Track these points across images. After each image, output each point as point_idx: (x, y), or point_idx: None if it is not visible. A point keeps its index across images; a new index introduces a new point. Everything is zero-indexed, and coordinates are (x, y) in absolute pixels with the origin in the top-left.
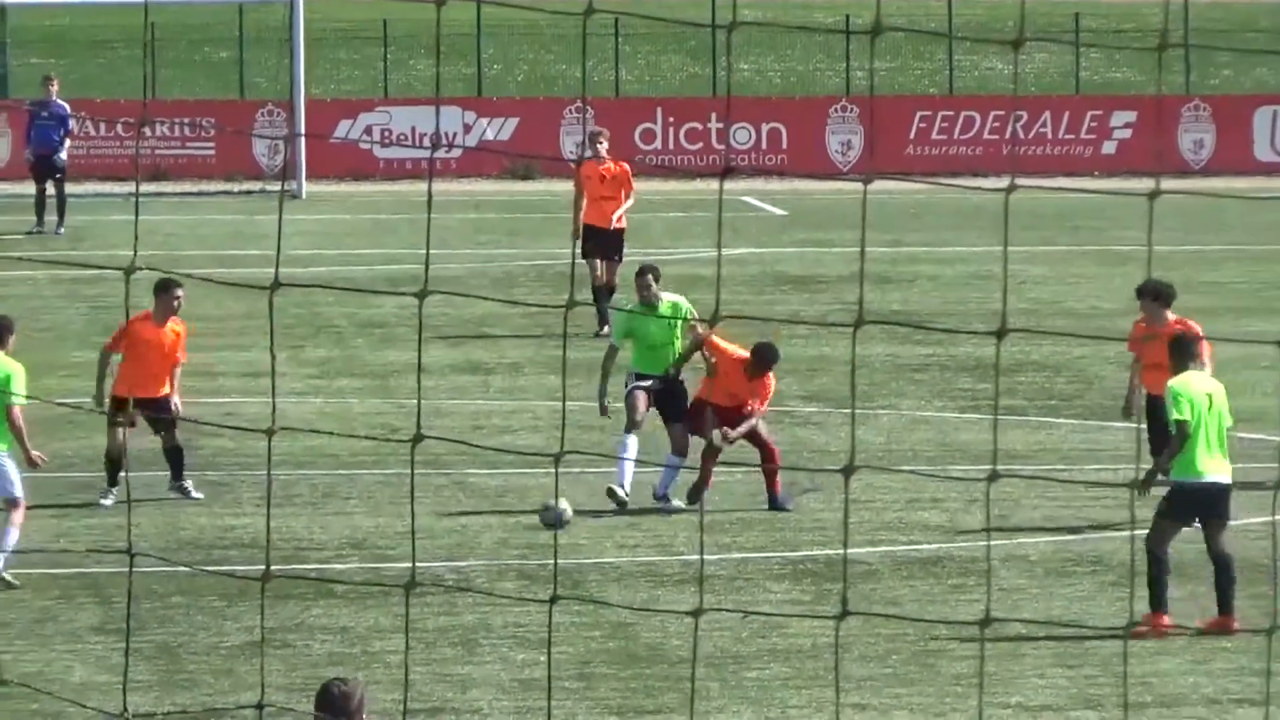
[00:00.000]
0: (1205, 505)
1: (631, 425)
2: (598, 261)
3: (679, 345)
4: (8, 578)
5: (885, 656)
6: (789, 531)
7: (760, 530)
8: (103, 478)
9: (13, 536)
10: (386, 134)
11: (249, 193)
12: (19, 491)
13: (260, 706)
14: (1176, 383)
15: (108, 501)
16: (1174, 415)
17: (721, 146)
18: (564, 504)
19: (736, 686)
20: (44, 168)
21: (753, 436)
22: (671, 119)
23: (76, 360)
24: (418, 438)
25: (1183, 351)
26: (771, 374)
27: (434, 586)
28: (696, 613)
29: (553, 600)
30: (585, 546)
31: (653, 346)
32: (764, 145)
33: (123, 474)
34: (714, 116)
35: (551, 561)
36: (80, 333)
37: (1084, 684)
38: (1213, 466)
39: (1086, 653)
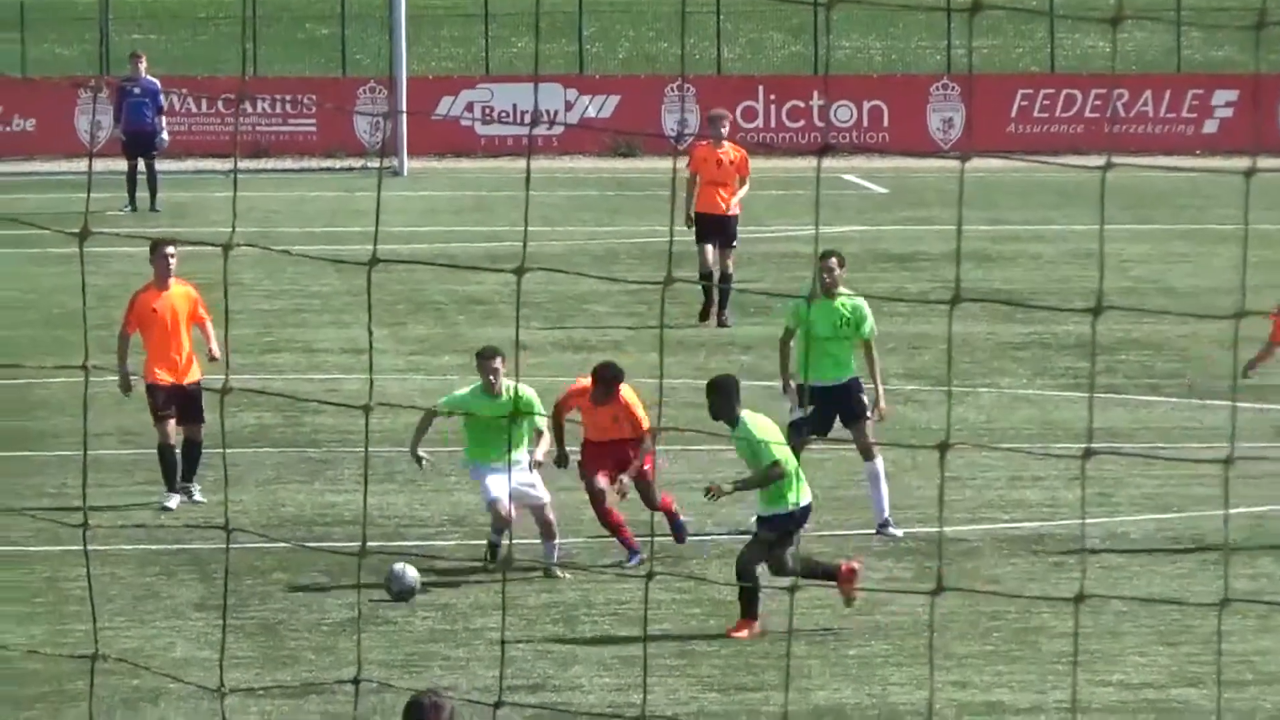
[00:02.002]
0: None
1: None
2: (708, 248)
3: (855, 346)
4: None
5: (987, 634)
6: (892, 510)
7: (863, 508)
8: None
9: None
10: (488, 111)
11: (350, 169)
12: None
13: (357, 681)
14: None
15: (172, 504)
16: None
17: (822, 124)
18: (409, 571)
19: (837, 664)
20: (136, 144)
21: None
22: (773, 97)
23: None
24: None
25: None
26: (629, 397)
27: (535, 563)
28: (793, 588)
29: (650, 576)
30: (686, 524)
31: (824, 340)
32: (865, 123)
33: (176, 463)
34: (815, 95)
35: (650, 537)
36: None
37: (1184, 661)
38: None
39: (1187, 630)
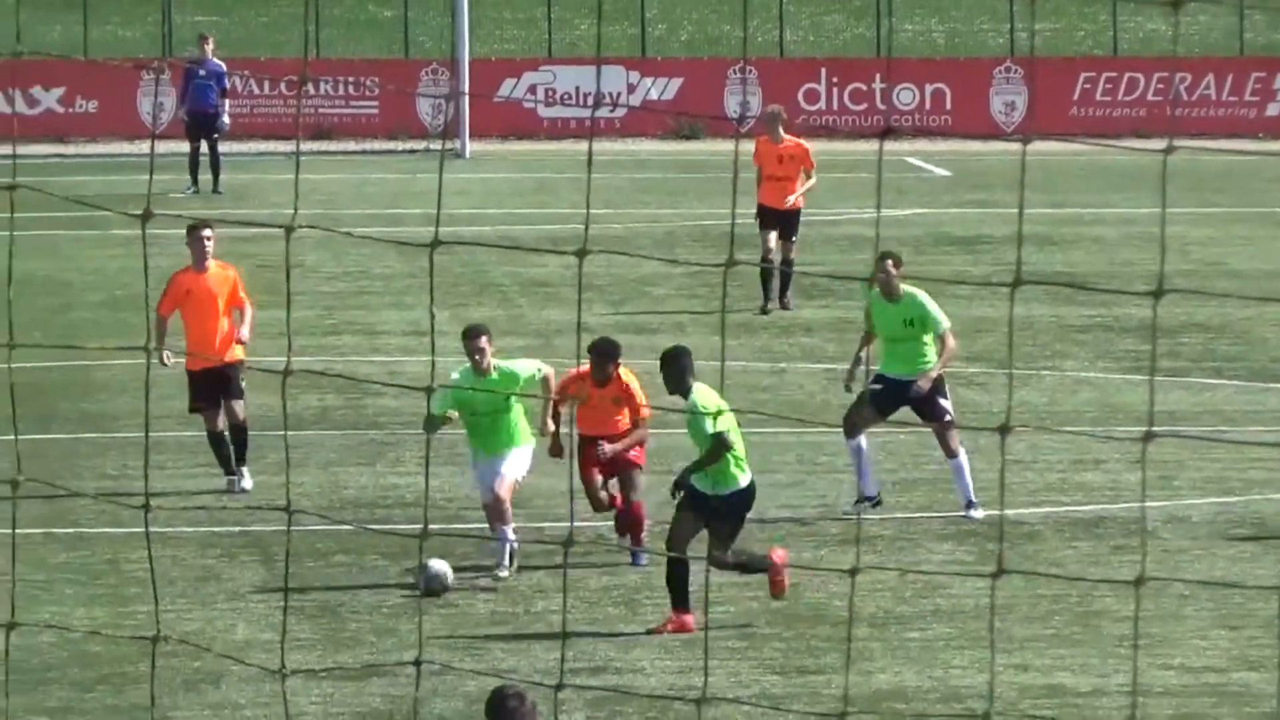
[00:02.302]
0: None
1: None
2: (771, 235)
3: (927, 342)
4: None
5: (1047, 618)
6: (953, 493)
7: (923, 491)
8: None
9: None
10: (550, 93)
11: (412, 151)
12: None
13: (418, 664)
14: None
15: (247, 484)
16: None
17: (884, 107)
18: (441, 565)
19: (899, 647)
20: (200, 126)
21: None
22: (835, 79)
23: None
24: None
25: None
26: (628, 378)
27: (596, 545)
28: (853, 571)
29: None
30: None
31: (893, 340)
32: (928, 106)
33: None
34: (878, 77)
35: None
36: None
37: (1245, 645)
38: None
39: (1248, 614)
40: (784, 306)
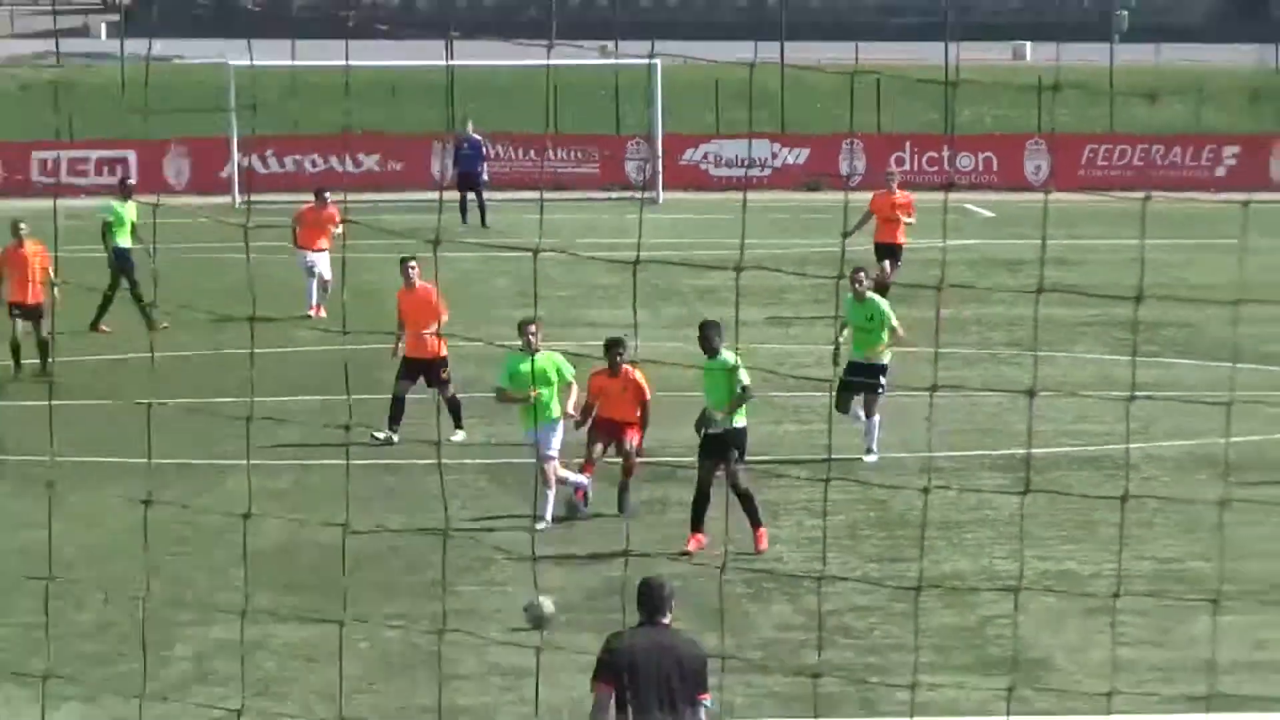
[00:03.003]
0: None
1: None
2: (886, 264)
3: (883, 335)
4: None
5: (1061, 524)
6: (999, 435)
7: (974, 436)
8: None
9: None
10: (717, 158)
11: (622, 199)
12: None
13: (625, 556)
14: None
15: (383, 435)
16: None
17: (949, 170)
18: (546, 602)
19: (958, 544)
20: (466, 184)
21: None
22: (915, 149)
23: (499, 315)
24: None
25: None
26: (635, 372)
27: (750, 468)
28: (925, 490)
29: (827, 481)
30: (854, 446)
31: (860, 330)
32: (979, 168)
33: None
34: (944, 148)
35: (827, 458)
36: (502, 297)
37: (1197, 544)
38: None
39: (1199, 522)
40: None
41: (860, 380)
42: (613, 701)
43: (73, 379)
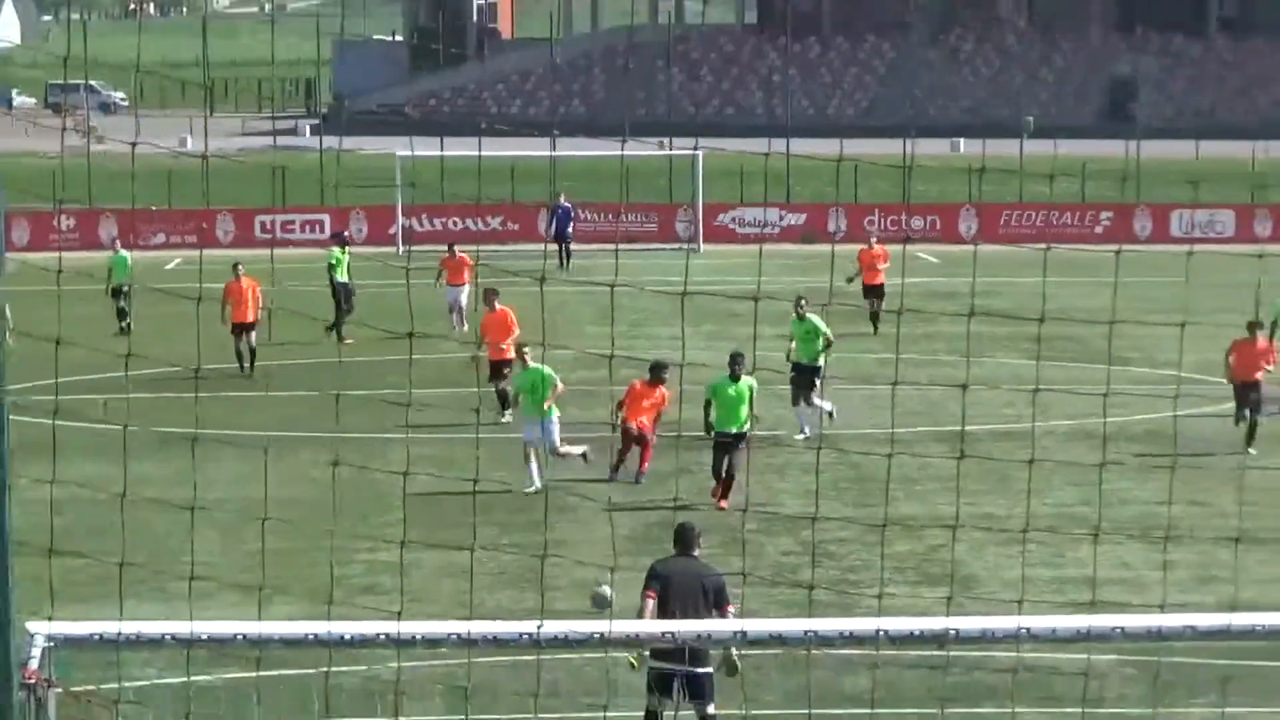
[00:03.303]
0: None
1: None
2: (871, 301)
3: (819, 344)
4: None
5: (984, 477)
6: (942, 417)
7: (924, 415)
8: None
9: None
10: (742, 220)
11: (673, 249)
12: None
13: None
14: None
15: (506, 418)
16: None
17: (906, 228)
18: (606, 589)
19: (912, 495)
20: (559, 237)
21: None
22: (882, 214)
23: (587, 330)
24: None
25: None
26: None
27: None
28: (889, 455)
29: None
30: (829, 427)
31: (801, 341)
32: (928, 228)
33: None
34: (903, 214)
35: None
36: (586, 319)
37: (1086, 491)
38: None
39: (1088, 478)
40: (875, 332)
41: (803, 376)
42: (655, 605)
43: (278, 376)
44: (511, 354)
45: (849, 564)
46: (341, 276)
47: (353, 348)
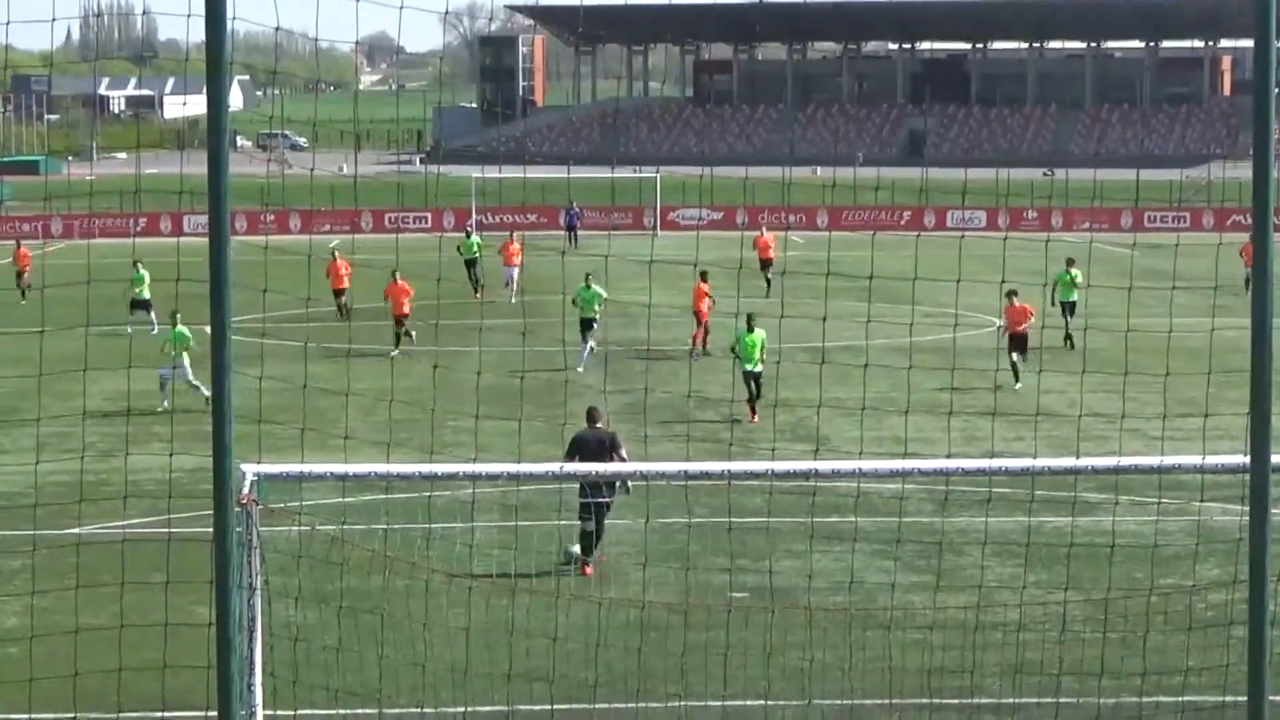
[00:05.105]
0: None
1: None
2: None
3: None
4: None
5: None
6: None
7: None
8: None
9: None
10: (684, 217)
11: (642, 234)
12: None
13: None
14: None
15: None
16: None
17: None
18: (574, 548)
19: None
20: (571, 228)
21: None
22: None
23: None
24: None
25: None
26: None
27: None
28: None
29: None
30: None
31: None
32: (799, 221)
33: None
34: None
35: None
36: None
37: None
38: None
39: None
40: (767, 294)
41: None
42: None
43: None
44: (408, 309)
45: (748, 427)
46: (469, 256)
47: (450, 293)
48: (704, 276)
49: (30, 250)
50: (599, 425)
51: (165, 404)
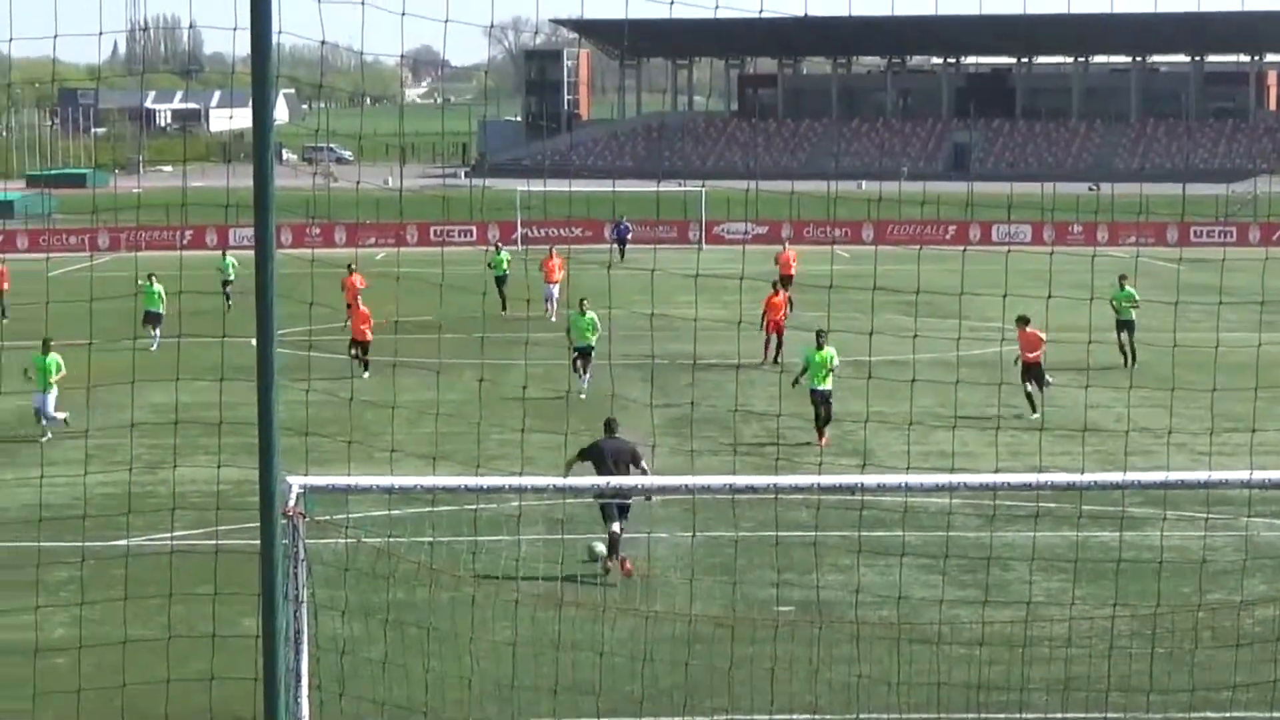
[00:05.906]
0: None
1: None
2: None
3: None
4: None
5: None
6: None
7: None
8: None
9: None
10: (730, 230)
11: (688, 247)
12: None
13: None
14: None
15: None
16: None
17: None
18: (599, 545)
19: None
20: (620, 242)
21: None
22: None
23: (631, 300)
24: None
25: None
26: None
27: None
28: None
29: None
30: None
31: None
32: (844, 236)
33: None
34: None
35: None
36: (632, 291)
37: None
38: None
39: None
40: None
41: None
42: (581, 462)
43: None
44: (370, 335)
45: (796, 438)
46: (500, 272)
47: (495, 305)
48: (777, 286)
49: (7, 267)
50: (618, 435)
51: (49, 435)
